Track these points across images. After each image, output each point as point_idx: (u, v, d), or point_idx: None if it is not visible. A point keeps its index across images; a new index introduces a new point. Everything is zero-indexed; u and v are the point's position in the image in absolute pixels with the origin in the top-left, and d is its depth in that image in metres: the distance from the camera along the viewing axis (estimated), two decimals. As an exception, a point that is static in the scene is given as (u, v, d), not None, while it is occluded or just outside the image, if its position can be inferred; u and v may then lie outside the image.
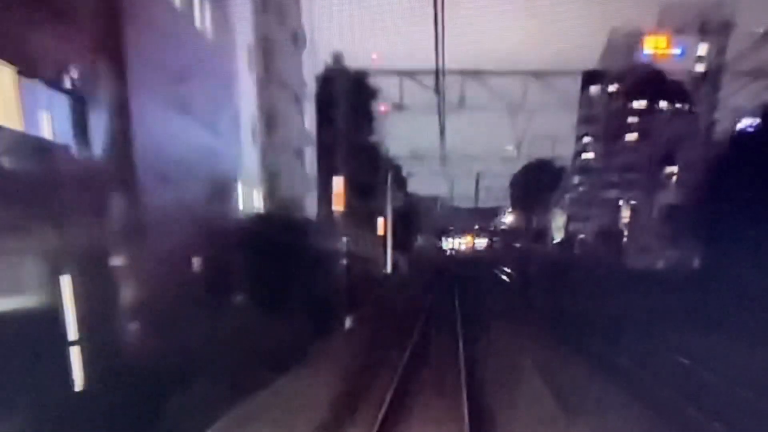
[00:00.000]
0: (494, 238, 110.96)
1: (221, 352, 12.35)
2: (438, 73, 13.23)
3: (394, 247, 36.72)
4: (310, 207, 29.08)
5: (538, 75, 25.30)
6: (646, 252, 54.67)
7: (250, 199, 21.19)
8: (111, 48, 11.75)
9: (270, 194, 21.25)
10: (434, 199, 75.79)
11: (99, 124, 11.73)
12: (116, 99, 12.23)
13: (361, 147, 32.91)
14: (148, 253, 13.08)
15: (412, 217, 44.99)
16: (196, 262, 16.43)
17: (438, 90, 16.75)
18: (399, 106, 26.17)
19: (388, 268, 35.76)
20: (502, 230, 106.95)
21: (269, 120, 22.57)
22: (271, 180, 21.53)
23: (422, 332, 17.92)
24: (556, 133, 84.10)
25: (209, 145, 17.36)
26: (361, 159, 32.37)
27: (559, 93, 27.78)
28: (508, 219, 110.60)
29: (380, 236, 33.97)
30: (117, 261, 12.59)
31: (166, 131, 13.96)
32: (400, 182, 41.91)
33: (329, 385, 11.66)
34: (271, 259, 15.76)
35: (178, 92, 14.40)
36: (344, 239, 20.46)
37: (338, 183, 19.12)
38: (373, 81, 35.37)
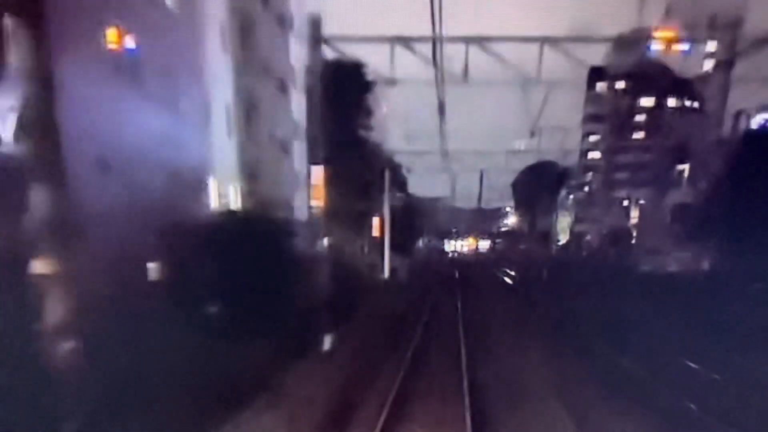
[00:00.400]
0: (497, 240, 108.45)
1: (168, 381, 9.94)
2: (435, 42, 10.81)
3: (392, 250, 34.33)
4: (301, 206, 26.69)
5: (554, 42, 21.85)
6: (656, 253, 52.34)
7: (226, 196, 18.85)
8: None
9: (250, 191, 18.88)
10: (435, 200, 72.83)
11: (9, 100, 9.34)
12: (36, 69, 9.83)
13: (356, 142, 30.49)
14: (81, 257, 10.66)
15: (412, 218, 42.53)
16: (153, 269, 14.03)
17: (436, 60, 14.26)
18: (391, 81, 23.12)
19: (386, 273, 33.36)
20: (505, 232, 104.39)
21: (249, 108, 20.17)
22: (252, 176, 19.17)
23: (417, 352, 15.45)
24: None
25: (170, 132, 14.97)
26: (356, 154, 29.96)
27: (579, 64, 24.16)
28: (511, 220, 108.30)
29: (376, 238, 31.55)
30: (38, 267, 10.21)
31: (107, 111, 11.57)
32: (399, 180, 39.53)
33: (296, 425, 9.27)
34: (240, 266, 13.33)
35: (122, 64, 12.02)
36: (327, 242, 18.20)
37: (317, 173, 16.61)
38: (370, 73, 32.91)
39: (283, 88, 24.83)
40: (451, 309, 24.10)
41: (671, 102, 75.40)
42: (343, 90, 30.68)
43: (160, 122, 14.76)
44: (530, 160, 52.64)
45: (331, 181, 24.30)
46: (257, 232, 14.80)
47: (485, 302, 27.92)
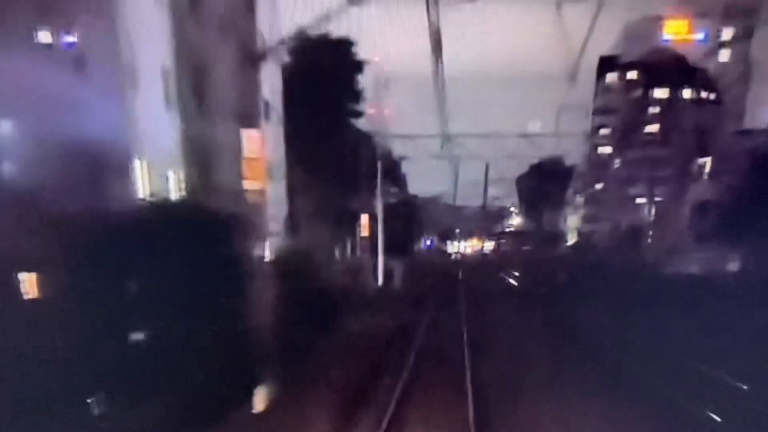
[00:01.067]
0: (502, 241, 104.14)
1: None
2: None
3: (386, 253, 30.29)
4: (276, 202, 22.58)
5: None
6: (677, 254, 48.38)
7: (163, 184, 14.81)
8: None
9: (196, 178, 14.75)
10: (435, 197, 68.26)
11: None
12: None
13: (342, 128, 26.41)
14: None
15: (410, 216, 38.31)
16: (28, 282, 9.96)
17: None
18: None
19: (379, 280, 29.31)
20: (511, 232, 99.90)
21: (197, 75, 16.04)
22: (199, 159, 15.08)
23: (400, 411, 10.52)
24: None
25: (71, 99, 10.85)
26: (341, 142, 25.89)
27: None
28: (515, 221, 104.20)
29: (366, 239, 27.44)
30: None
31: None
32: (395, 174, 35.43)
33: None
34: (154, 278, 9.30)
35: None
36: (285, 242, 14.35)
37: (251, 139, 12.47)
38: (360, 51, 28.90)
39: (251, 59, 20.71)
40: (454, 328, 19.89)
41: (687, 93, 71.27)
42: (328, 69, 26.63)
43: (56, 85, 10.66)
44: (548, 147, 46.05)
45: (306, 172, 20.40)
46: (187, 231, 10.66)
47: (496, 317, 23.78)
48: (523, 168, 78.31)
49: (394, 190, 35.62)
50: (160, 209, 11.64)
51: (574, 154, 74.25)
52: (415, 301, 25.93)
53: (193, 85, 16.02)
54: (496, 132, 29.93)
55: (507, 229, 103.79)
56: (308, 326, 14.45)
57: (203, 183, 15.68)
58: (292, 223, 22.84)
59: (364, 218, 27.00)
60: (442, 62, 14.47)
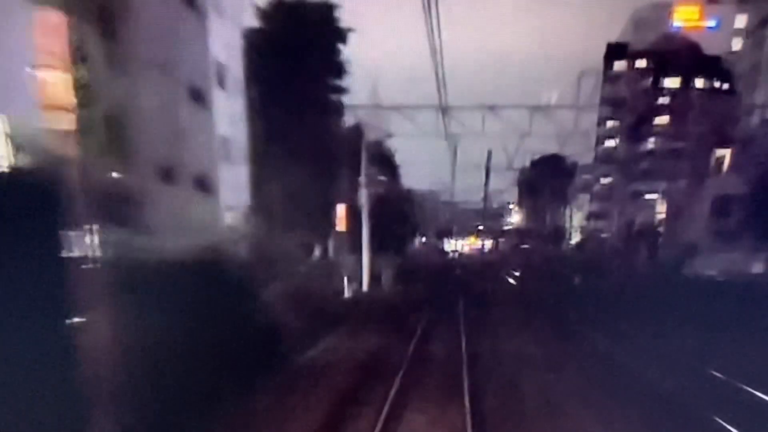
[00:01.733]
0: (501, 239, 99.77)
1: None
2: None
3: (372, 253, 25.96)
4: (234, 189, 18.31)
5: None
6: (695, 254, 44.34)
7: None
8: None
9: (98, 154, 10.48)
10: (431, 189, 63.33)
11: None
12: None
13: (318, 102, 22.05)
14: None
15: (401, 210, 33.86)
16: None
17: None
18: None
19: (364, 285, 24.96)
20: (513, 230, 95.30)
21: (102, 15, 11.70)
22: (101, 132, 10.75)
23: None
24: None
25: None
26: (317, 120, 21.54)
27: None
28: (516, 218, 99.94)
29: (343, 235, 22.80)
30: None
31: None
32: (383, 159, 30.90)
33: None
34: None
35: None
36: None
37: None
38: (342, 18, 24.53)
39: (197, 13, 16.41)
40: (451, 350, 15.56)
41: (699, 82, 67.24)
42: (304, 34, 22.22)
43: None
44: (567, 120, 40.64)
45: (272, 153, 16.14)
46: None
47: (498, 324, 19.63)
48: (527, 158, 74.25)
49: (382, 178, 31.18)
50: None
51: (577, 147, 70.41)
52: (406, 309, 21.59)
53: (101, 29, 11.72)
54: (499, 104, 25.35)
55: (507, 227, 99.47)
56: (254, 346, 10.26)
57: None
58: (253, 215, 18.53)
59: (340, 209, 22.36)
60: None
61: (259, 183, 19.34)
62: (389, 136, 25.26)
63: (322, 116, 22.88)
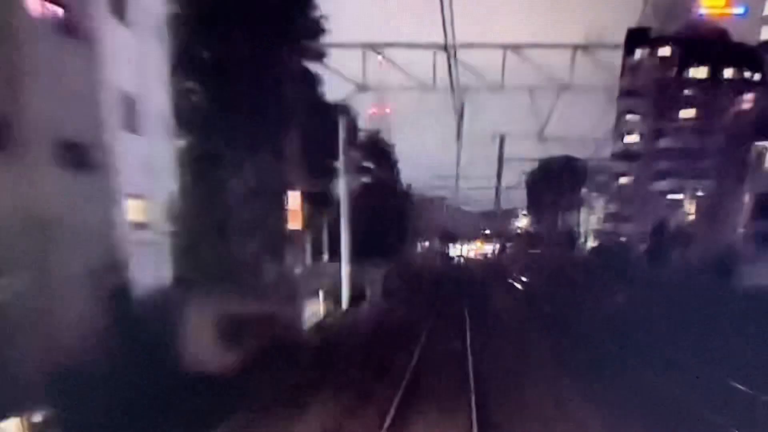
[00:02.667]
0: (508, 244, 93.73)
1: None
2: None
3: (355, 260, 20.33)
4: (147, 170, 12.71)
5: None
6: (730, 259, 39.21)
7: None
8: None
9: None
10: (432, 187, 56.12)
11: None
12: None
13: (282, 66, 16.37)
14: None
15: (395, 206, 27.71)
16: None
17: None
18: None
19: (344, 302, 19.31)
20: (521, 235, 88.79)
21: None
22: None
23: None
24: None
25: None
26: (280, 88, 15.89)
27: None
28: (524, 222, 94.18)
29: (296, 235, 16.74)
30: None
31: None
32: (371, 144, 24.95)
33: None
34: None
35: None
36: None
37: None
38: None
39: None
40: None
41: (729, 72, 61.65)
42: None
43: None
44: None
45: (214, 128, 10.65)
46: None
47: (528, 386, 14.08)
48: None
49: (368, 164, 25.37)
50: None
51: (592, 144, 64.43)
52: (391, 342, 15.95)
53: None
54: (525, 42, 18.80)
55: (517, 231, 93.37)
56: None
57: None
58: (172, 209, 12.90)
59: (293, 199, 16.13)
60: None
61: (185, 163, 13.76)
62: (363, 88, 19.31)
63: (288, 83, 17.21)
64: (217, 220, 12.97)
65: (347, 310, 19.73)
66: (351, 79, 17.58)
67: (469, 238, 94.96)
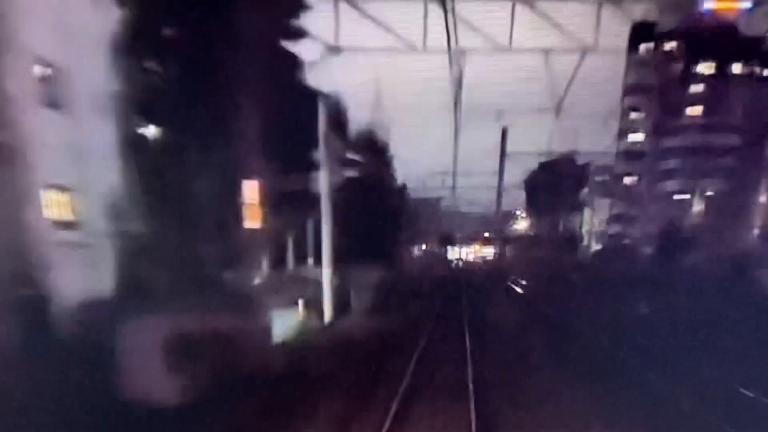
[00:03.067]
0: (511, 246, 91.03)
1: None
2: None
3: (343, 265, 17.98)
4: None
5: None
6: (745, 262, 37.32)
7: None
8: None
9: None
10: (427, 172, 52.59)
11: None
12: None
13: (254, 41, 14.01)
14: None
15: (388, 204, 25.19)
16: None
17: None
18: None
19: (326, 314, 16.90)
20: (524, 237, 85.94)
21: None
22: None
23: None
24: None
25: None
26: (251, 65, 13.55)
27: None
28: (523, 224, 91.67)
29: (259, 234, 14.00)
30: None
31: None
32: (361, 136, 22.49)
33: None
34: None
35: None
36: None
37: None
38: None
39: None
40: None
41: (737, 68, 59.57)
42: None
43: None
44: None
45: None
46: None
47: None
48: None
49: (356, 157, 22.88)
50: None
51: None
52: (378, 366, 13.56)
53: None
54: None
55: (517, 233, 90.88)
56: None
57: None
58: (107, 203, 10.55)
59: (251, 190, 13.41)
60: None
61: (128, 150, 11.42)
62: (335, 50, 16.72)
63: (261, 60, 14.88)
64: (164, 219, 10.66)
65: (330, 323, 17.37)
66: (320, 38, 15.03)
67: (467, 241, 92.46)
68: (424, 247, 70.66)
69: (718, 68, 58.36)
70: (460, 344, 15.84)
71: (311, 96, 16.08)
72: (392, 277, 25.60)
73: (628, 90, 61.37)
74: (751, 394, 12.22)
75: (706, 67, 58.71)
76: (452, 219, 79.17)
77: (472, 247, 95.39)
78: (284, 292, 18.01)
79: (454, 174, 29.77)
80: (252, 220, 11.97)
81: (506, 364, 14.77)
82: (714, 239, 44.71)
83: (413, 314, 20.43)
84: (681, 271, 39.93)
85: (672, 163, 58.73)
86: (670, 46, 59.89)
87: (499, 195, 63.42)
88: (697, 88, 58.92)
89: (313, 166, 16.73)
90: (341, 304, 17.49)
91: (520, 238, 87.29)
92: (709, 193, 48.96)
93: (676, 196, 56.17)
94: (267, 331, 12.49)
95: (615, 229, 65.16)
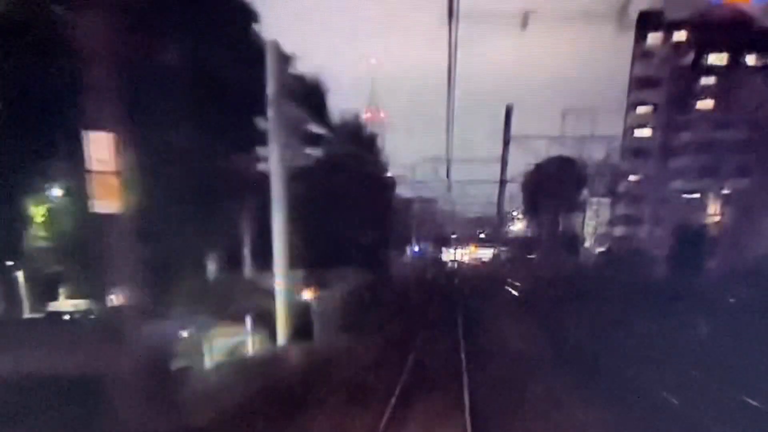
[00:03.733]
0: (501, 249, 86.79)
1: None
2: None
3: (301, 268, 13.85)
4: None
5: None
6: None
7: None
8: None
9: None
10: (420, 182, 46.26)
11: None
12: None
13: None
14: None
15: (363, 193, 20.11)
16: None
17: None
18: None
19: (279, 335, 12.63)
20: (531, 239, 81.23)
21: None
22: None
23: None
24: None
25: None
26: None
27: None
28: (520, 226, 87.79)
29: (114, 220, 9.22)
30: None
31: None
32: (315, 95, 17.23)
33: None
34: None
35: None
36: None
37: None
38: None
39: None
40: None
41: (751, 59, 56.12)
42: None
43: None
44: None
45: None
46: None
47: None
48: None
49: (321, 131, 18.22)
50: None
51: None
52: (337, 403, 9.50)
53: None
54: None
55: (513, 236, 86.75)
56: None
57: None
58: None
59: (96, 145, 8.56)
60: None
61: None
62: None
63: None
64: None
65: (283, 348, 13.18)
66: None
67: (463, 243, 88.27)
68: (415, 248, 65.96)
69: (731, 59, 54.81)
70: (457, 389, 11.52)
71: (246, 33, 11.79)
72: (371, 286, 21.03)
73: (636, 83, 57.65)
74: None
75: (717, 58, 55.09)
76: (447, 219, 74.78)
77: (467, 250, 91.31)
78: (233, 304, 14.01)
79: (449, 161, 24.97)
80: (104, 199, 7.27)
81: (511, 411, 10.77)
82: (732, 241, 41.12)
83: (395, 335, 16.11)
84: (693, 275, 36.39)
85: (683, 160, 55.07)
86: (679, 36, 56.24)
87: (502, 186, 58.41)
88: (708, 80, 55.30)
89: (258, 142, 12.66)
90: (301, 322, 13.33)
91: (532, 240, 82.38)
92: (725, 192, 45.16)
93: (687, 195, 52.41)
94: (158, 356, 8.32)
95: (619, 230, 61.50)
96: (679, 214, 49.02)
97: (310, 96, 15.68)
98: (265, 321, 13.40)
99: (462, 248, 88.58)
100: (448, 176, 26.29)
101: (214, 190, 12.49)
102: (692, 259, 38.42)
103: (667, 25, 56.76)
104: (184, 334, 14.10)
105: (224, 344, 13.72)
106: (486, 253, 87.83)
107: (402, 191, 42.41)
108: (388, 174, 30.33)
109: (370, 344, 14.24)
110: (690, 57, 55.48)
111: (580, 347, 17.56)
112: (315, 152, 17.92)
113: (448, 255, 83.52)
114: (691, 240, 41.09)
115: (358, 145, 20.76)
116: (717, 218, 44.61)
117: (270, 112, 12.24)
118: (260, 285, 13.26)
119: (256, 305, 13.49)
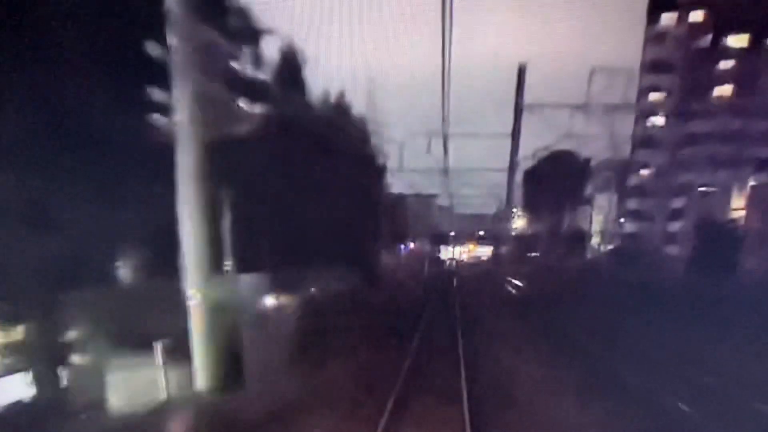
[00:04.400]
0: (502, 247, 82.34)
1: None
2: None
3: (232, 272, 9.72)
4: None
5: None
6: None
7: None
8: None
9: None
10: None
11: None
12: None
13: None
14: None
15: (327, 166, 15.16)
16: None
17: None
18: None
19: (197, 377, 8.47)
20: (538, 235, 76.84)
21: None
22: None
23: None
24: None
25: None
26: None
27: None
28: (520, 223, 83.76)
29: None
30: None
31: None
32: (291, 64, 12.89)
33: None
34: None
35: None
36: None
37: None
38: None
39: None
40: None
41: (771, 42, 52.35)
42: None
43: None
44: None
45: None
46: None
47: None
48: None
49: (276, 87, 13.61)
50: None
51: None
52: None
53: None
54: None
55: (514, 232, 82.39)
56: None
57: None
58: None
59: None
60: None
61: None
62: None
63: None
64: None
65: (206, 392, 8.95)
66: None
67: (461, 240, 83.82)
68: (417, 244, 61.13)
69: (752, 41, 50.83)
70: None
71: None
72: (339, 296, 16.18)
73: (647, 67, 53.49)
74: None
75: (737, 40, 51.12)
76: (442, 214, 70.34)
77: (467, 246, 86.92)
78: (139, 322, 9.94)
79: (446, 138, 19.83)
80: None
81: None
82: (757, 238, 37.50)
83: (370, 370, 11.53)
84: (716, 275, 32.69)
85: (700, 149, 51.16)
86: (695, 16, 52.19)
87: (512, 169, 53.54)
88: (727, 63, 51.31)
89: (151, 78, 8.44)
90: (230, 357, 9.01)
91: (538, 237, 78.20)
92: (753, 184, 41.34)
93: (704, 188, 48.45)
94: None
95: (629, 227, 57.55)
96: (699, 209, 45.28)
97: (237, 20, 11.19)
98: (182, 350, 9.30)
99: (461, 246, 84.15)
100: (445, 153, 21.48)
101: (102, 156, 8.47)
102: (714, 260, 34.42)
103: (682, 4, 52.79)
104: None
105: (127, 382, 9.64)
106: (485, 251, 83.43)
107: (388, 176, 34.97)
108: (369, 151, 24.83)
109: (330, 391, 9.80)
110: (707, 39, 51.56)
111: (587, 353, 15.52)
112: (254, 109, 13.34)
113: (445, 253, 79.03)
114: (712, 238, 37.17)
115: (323, 104, 15.93)
116: (742, 212, 40.87)
117: (171, 38, 7.99)
118: (175, 297, 9.19)
119: (169, 325, 9.41)
